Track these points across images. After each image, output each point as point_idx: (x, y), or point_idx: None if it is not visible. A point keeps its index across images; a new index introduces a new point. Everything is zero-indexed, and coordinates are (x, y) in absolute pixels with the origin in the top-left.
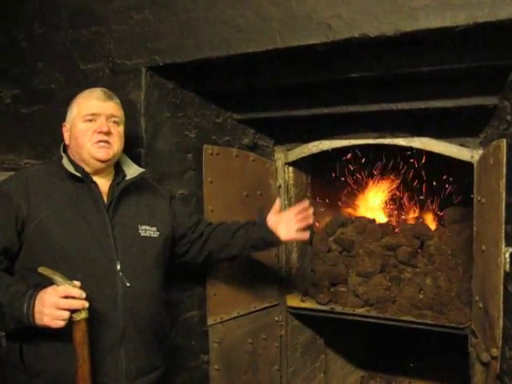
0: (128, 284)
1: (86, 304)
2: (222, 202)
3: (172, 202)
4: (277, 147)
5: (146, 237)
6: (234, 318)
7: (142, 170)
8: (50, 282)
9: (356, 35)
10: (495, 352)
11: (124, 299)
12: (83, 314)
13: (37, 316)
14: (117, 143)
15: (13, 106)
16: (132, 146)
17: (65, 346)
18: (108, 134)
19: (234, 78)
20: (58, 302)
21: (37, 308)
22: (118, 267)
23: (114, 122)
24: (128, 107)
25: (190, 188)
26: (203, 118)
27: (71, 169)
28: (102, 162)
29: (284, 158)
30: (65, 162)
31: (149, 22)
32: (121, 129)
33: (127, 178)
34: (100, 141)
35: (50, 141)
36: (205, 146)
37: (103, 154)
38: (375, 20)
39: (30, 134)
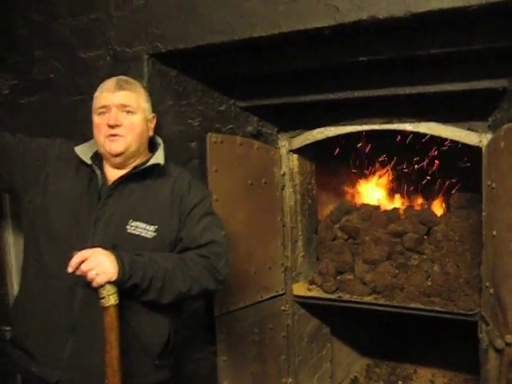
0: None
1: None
2: (227, 191)
3: (192, 211)
4: (281, 134)
5: (134, 235)
6: (240, 309)
7: (154, 162)
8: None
9: (364, 17)
10: (509, 338)
11: (81, 301)
12: (112, 301)
13: None
14: (130, 135)
15: (11, 97)
16: None
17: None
18: (117, 126)
19: (237, 64)
20: None
21: None
22: None
23: (128, 111)
24: None
25: (194, 177)
26: (207, 106)
27: (82, 155)
28: (115, 156)
29: (288, 145)
30: (79, 148)
31: (150, 8)
32: (136, 118)
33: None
34: (110, 135)
35: (50, 132)
36: (208, 134)
37: (114, 147)
38: (384, 1)
39: (29, 125)
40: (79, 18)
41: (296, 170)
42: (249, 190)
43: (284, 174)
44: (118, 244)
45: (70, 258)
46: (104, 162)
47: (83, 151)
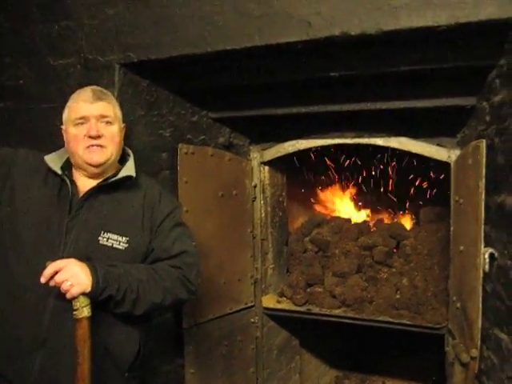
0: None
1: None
2: (198, 203)
3: (163, 223)
4: (252, 146)
5: (106, 246)
6: (209, 321)
7: (126, 174)
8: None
9: (337, 33)
10: (474, 352)
11: (52, 313)
12: (85, 312)
13: None
14: (110, 145)
15: None
16: None
17: None
18: (99, 137)
19: (210, 75)
20: None
21: None
22: None
23: (107, 122)
24: None
25: (164, 188)
26: (178, 117)
27: (52, 164)
28: (95, 166)
29: (260, 157)
30: (49, 157)
31: (123, 17)
32: (114, 128)
33: (109, 181)
34: (91, 145)
35: (19, 139)
36: (180, 145)
37: (96, 157)
38: (356, 18)
39: None
40: (50, 25)
41: (267, 182)
42: (219, 202)
43: (255, 186)
44: (89, 255)
45: (42, 269)
46: (74, 172)
47: (53, 160)
